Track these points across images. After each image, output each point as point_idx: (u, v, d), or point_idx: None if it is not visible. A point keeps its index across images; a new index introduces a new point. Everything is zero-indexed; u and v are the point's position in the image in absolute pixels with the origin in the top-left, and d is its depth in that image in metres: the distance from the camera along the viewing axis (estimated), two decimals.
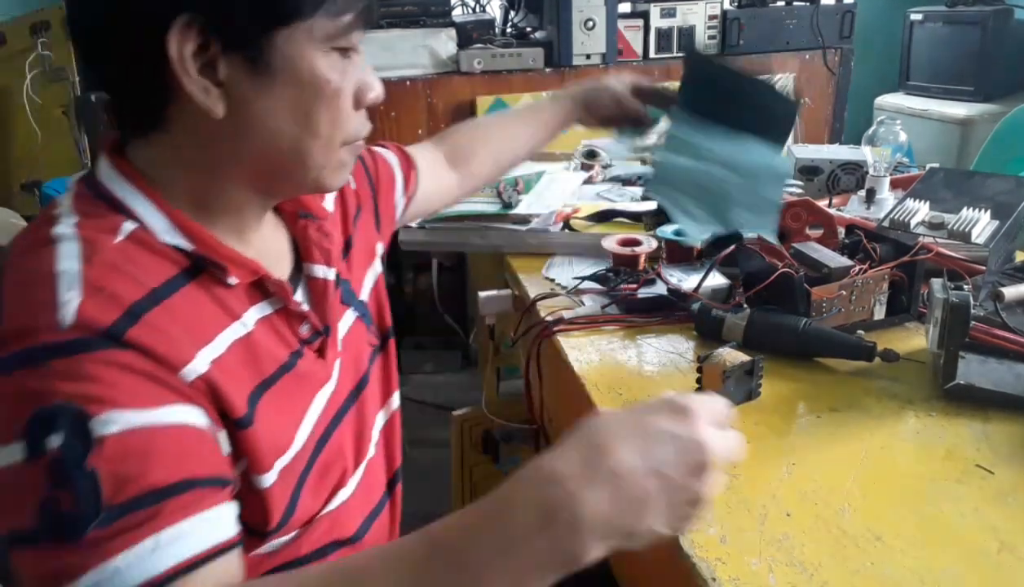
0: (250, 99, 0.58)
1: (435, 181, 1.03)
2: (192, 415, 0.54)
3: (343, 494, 0.72)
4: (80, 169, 2.32)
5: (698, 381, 0.85)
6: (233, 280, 0.61)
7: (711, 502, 0.49)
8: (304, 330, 0.69)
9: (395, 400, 0.86)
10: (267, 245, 0.70)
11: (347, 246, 0.83)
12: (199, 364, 0.56)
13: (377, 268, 0.87)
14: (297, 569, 0.60)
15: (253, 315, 0.63)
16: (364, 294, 0.83)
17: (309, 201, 0.76)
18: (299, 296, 0.70)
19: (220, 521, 0.53)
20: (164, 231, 0.59)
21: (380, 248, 0.90)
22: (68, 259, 0.53)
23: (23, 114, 2.36)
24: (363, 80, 0.64)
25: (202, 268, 0.60)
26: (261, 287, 0.65)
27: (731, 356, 0.83)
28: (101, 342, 0.51)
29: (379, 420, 0.83)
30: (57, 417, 0.49)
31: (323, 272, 0.73)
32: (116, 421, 0.50)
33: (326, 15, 0.58)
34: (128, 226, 0.57)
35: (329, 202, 0.81)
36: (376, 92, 0.65)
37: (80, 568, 0.48)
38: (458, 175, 1.08)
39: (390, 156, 0.97)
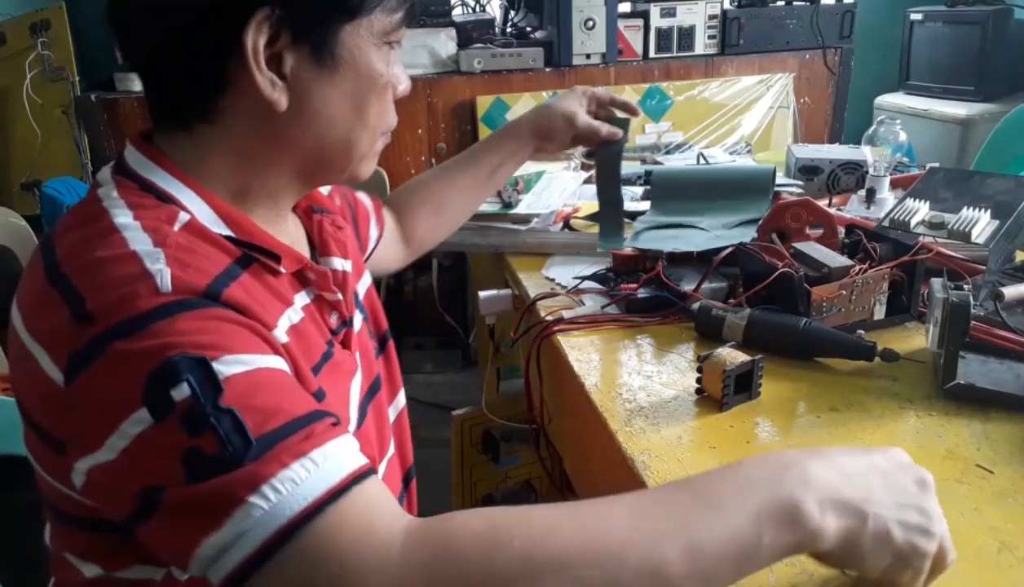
0: (311, 91, 0.61)
1: (388, 240, 1.04)
2: (289, 367, 0.56)
3: None
4: (80, 169, 2.32)
5: (698, 381, 0.85)
6: (283, 269, 0.63)
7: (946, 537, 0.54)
8: (333, 320, 0.70)
9: (402, 398, 0.87)
10: (292, 239, 0.71)
11: None
12: (279, 333, 0.58)
13: (367, 280, 0.88)
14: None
15: (299, 302, 0.65)
16: (361, 295, 0.84)
17: (320, 197, 0.78)
18: None
19: (357, 445, 0.54)
20: (211, 222, 0.59)
21: (368, 275, 0.89)
22: (140, 243, 0.53)
23: (23, 114, 2.36)
24: (395, 74, 0.67)
25: (252, 258, 0.60)
26: (301, 276, 0.66)
27: (731, 356, 0.83)
28: (201, 301, 0.52)
29: (390, 417, 0.84)
30: (177, 369, 0.48)
31: (341, 264, 0.74)
32: (237, 362, 0.50)
33: (383, 11, 0.62)
34: (183, 216, 0.58)
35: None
36: (405, 85, 0.69)
37: (250, 483, 0.46)
38: (404, 241, 1.07)
39: (363, 196, 0.99)
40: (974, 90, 2.72)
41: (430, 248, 1.11)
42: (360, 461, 0.51)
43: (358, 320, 0.78)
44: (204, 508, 0.47)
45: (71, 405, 0.51)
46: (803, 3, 2.55)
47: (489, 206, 1.38)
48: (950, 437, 0.77)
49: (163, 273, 0.51)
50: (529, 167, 1.72)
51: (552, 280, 1.20)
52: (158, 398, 0.48)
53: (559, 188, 1.49)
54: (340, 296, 0.70)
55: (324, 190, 0.84)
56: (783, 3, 2.57)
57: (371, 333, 0.83)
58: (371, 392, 0.77)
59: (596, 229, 1.37)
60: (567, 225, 1.38)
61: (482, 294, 1.29)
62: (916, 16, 2.88)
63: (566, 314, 1.06)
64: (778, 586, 0.59)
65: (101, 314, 0.50)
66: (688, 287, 1.05)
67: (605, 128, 1.07)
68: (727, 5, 2.51)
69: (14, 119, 2.42)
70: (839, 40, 2.59)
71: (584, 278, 1.15)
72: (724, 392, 0.82)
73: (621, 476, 0.76)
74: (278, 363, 0.54)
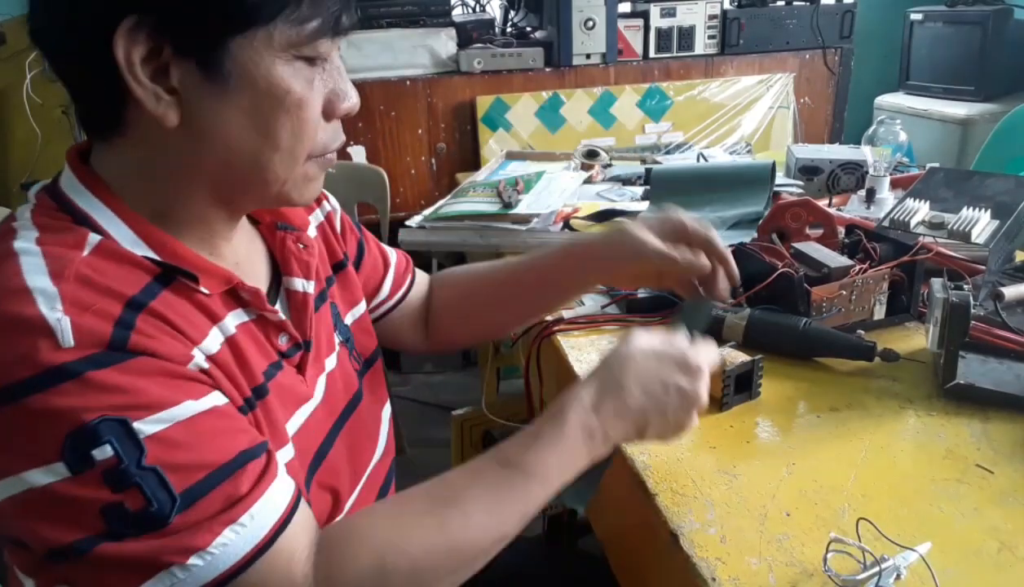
0: (204, 107, 0.56)
1: (407, 313, 0.95)
2: (217, 398, 0.56)
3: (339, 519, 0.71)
4: None
5: None
6: (205, 290, 0.59)
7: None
8: (282, 342, 0.67)
9: (388, 405, 0.85)
10: (240, 256, 0.68)
11: (338, 267, 0.81)
12: (199, 360, 0.56)
13: (362, 308, 0.84)
14: (399, 494, 0.64)
15: (233, 320, 0.62)
16: (348, 320, 0.81)
17: (289, 212, 0.74)
18: (277, 307, 0.68)
19: (285, 477, 0.58)
20: (129, 242, 0.57)
21: (363, 304, 0.85)
22: (35, 274, 0.51)
23: (23, 114, 2.35)
24: (336, 89, 0.61)
25: (173, 277, 0.58)
26: (236, 296, 0.63)
27: (731, 356, 0.83)
28: (109, 356, 0.50)
29: (383, 427, 0.82)
30: (97, 432, 0.49)
31: (302, 285, 0.71)
32: (156, 420, 0.51)
33: (287, 22, 0.55)
34: (93, 238, 0.55)
35: (313, 225, 0.79)
36: (351, 102, 0.62)
37: (184, 550, 0.50)
38: (424, 327, 0.97)
39: (391, 251, 0.94)
40: (974, 90, 2.72)
41: (452, 349, 1.00)
42: (284, 506, 0.56)
43: (336, 342, 0.76)
44: (136, 564, 0.50)
45: None
46: (803, 3, 2.55)
47: (489, 206, 1.38)
48: (950, 437, 0.77)
49: (62, 324, 0.49)
50: (529, 167, 1.72)
51: None
52: (78, 456, 0.49)
53: (559, 188, 1.49)
54: (282, 316, 0.67)
55: (324, 207, 0.82)
56: (783, 3, 2.57)
57: (354, 356, 0.80)
58: (348, 410, 0.75)
59: (595, 229, 1.37)
60: (567, 225, 1.38)
61: None
62: (916, 16, 2.88)
63: (566, 314, 1.06)
64: (778, 586, 0.59)
65: (4, 366, 0.48)
66: None
67: (686, 257, 0.78)
68: (727, 5, 2.51)
69: (14, 119, 2.41)
70: (839, 40, 2.59)
71: None
72: (724, 392, 0.82)
73: (621, 476, 0.76)
74: (198, 405, 0.53)
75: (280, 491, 0.56)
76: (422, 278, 0.97)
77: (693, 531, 0.65)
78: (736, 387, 0.83)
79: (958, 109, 2.69)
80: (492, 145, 2.34)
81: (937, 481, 0.70)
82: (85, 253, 0.54)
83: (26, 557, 0.57)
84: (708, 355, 0.69)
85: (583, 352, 0.97)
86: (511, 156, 1.87)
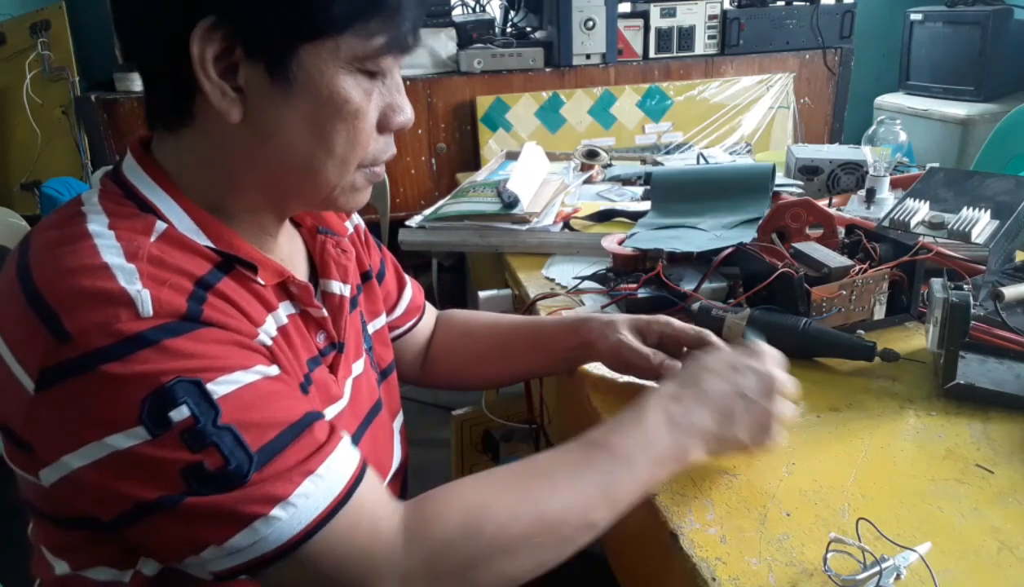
0: (267, 107, 0.58)
1: (411, 344, 0.97)
2: (280, 370, 0.58)
3: None
4: (80, 169, 2.32)
5: None
6: (261, 281, 0.62)
7: (782, 423, 0.71)
8: (320, 339, 0.69)
9: (400, 416, 0.87)
10: (284, 255, 0.70)
11: (365, 277, 0.83)
12: (263, 338, 0.59)
13: (382, 320, 0.87)
14: (487, 470, 0.64)
15: (284, 310, 0.65)
16: (371, 329, 0.83)
17: (329, 218, 0.77)
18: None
19: (350, 443, 0.59)
20: (191, 231, 0.59)
21: (384, 317, 0.87)
22: (110, 254, 0.53)
23: (23, 114, 2.36)
24: (393, 103, 0.63)
25: (231, 266, 0.60)
26: (285, 289, 0.66)
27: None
28: (183, 325, 0.53)
29: (396, 438, 0.83)
30: (174, 394, 0.51)
31: (339, 288, 0.73)
32: (228, 381, 0.53)
33: (356, 35, 0.57)
34: (160, 226, 0.58)
35: (349, 228, 0.82)
36: (405, 116, 0.64)
37: (266, 499, 0.52)
38: (421, 360, 0.99)
39: (411, 281, 0.95)
40: (974, 90, 2.73)
41: (443, 387, 1.01)
42: (355, 464, 0.58)
43: (362, 350, 0.77)
44: (220, 516, 0.51)
45: (42, 411, 0.52)
46: (803, 3, 2.55)
47: (489, 206, 1.38)
48: (950, 437, 0.77)
49: (142, 296, 0.52)
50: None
51: (552, 280, 1.20)
52: (157, 419, 0.51)
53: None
54: (325, 312, 0.69)
55: (353, 219, 0.84)
56: (783, 3, 2.57)
57: (374, 365, 0.82)
58: (370, 417, 0.76)
59: (595, 229, 1.37)
60: (567, 225, 1.38)
61: (482, 294, 1.29)
62: (916, 16, 2.88)
63: (566, 314, 1.06)
64: (778, 586, 0.59)
65: (81, 335, 0.50)
66: (688, 287, 1.05)
67: (658, 358, 0.82)
68: (727, 5, 2.51)
69: (14, 119, 2.42)
70: (839, 40, 2.59)
71: (584, 278, 1.16)
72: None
73: None
74: (265, 370, 0.56)
75: (349, 449, 0.58)
76: (431, 312, 1.00)
77: (693, 531, 0.65)
78: None
79: (958, 109, 2.70)
80: (492, 145, 2.34)
81: (937, 481, 0.70)
82: (153, 239, 0.56)
83: (64, 536, 0.59)
84: (766, 347, 0.75)
85: None
86: (511, 156, 1.87)
